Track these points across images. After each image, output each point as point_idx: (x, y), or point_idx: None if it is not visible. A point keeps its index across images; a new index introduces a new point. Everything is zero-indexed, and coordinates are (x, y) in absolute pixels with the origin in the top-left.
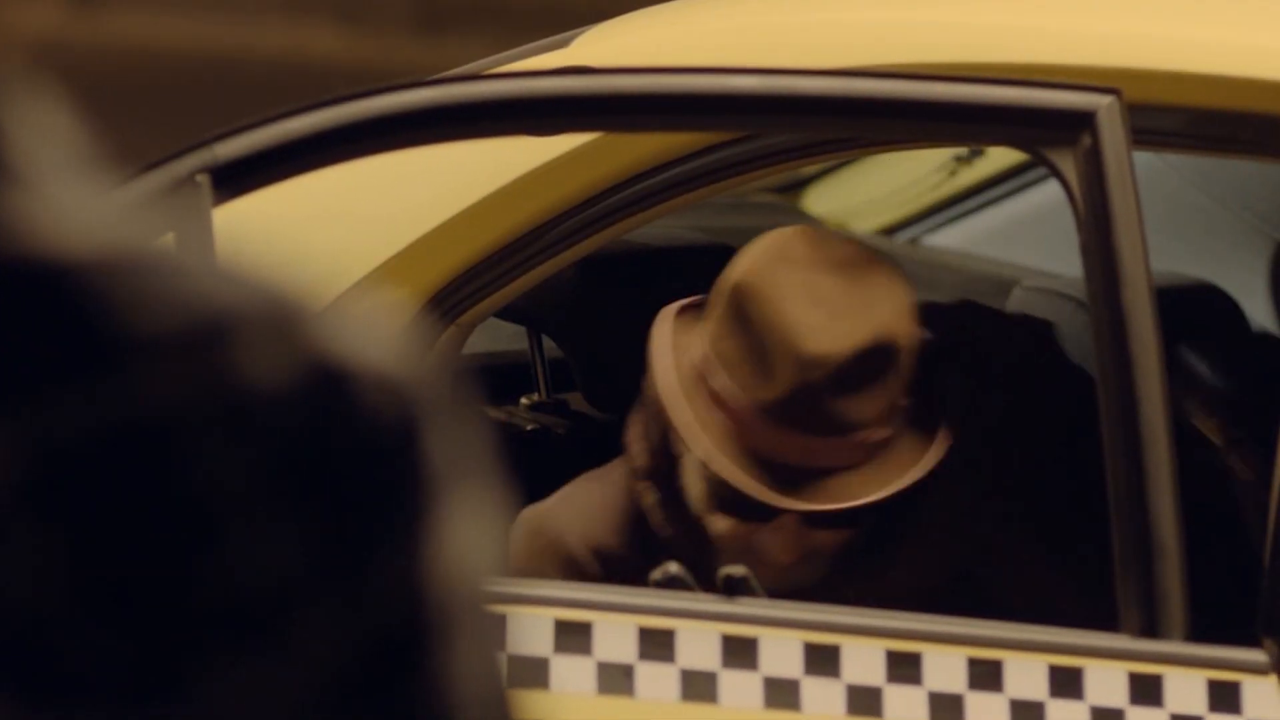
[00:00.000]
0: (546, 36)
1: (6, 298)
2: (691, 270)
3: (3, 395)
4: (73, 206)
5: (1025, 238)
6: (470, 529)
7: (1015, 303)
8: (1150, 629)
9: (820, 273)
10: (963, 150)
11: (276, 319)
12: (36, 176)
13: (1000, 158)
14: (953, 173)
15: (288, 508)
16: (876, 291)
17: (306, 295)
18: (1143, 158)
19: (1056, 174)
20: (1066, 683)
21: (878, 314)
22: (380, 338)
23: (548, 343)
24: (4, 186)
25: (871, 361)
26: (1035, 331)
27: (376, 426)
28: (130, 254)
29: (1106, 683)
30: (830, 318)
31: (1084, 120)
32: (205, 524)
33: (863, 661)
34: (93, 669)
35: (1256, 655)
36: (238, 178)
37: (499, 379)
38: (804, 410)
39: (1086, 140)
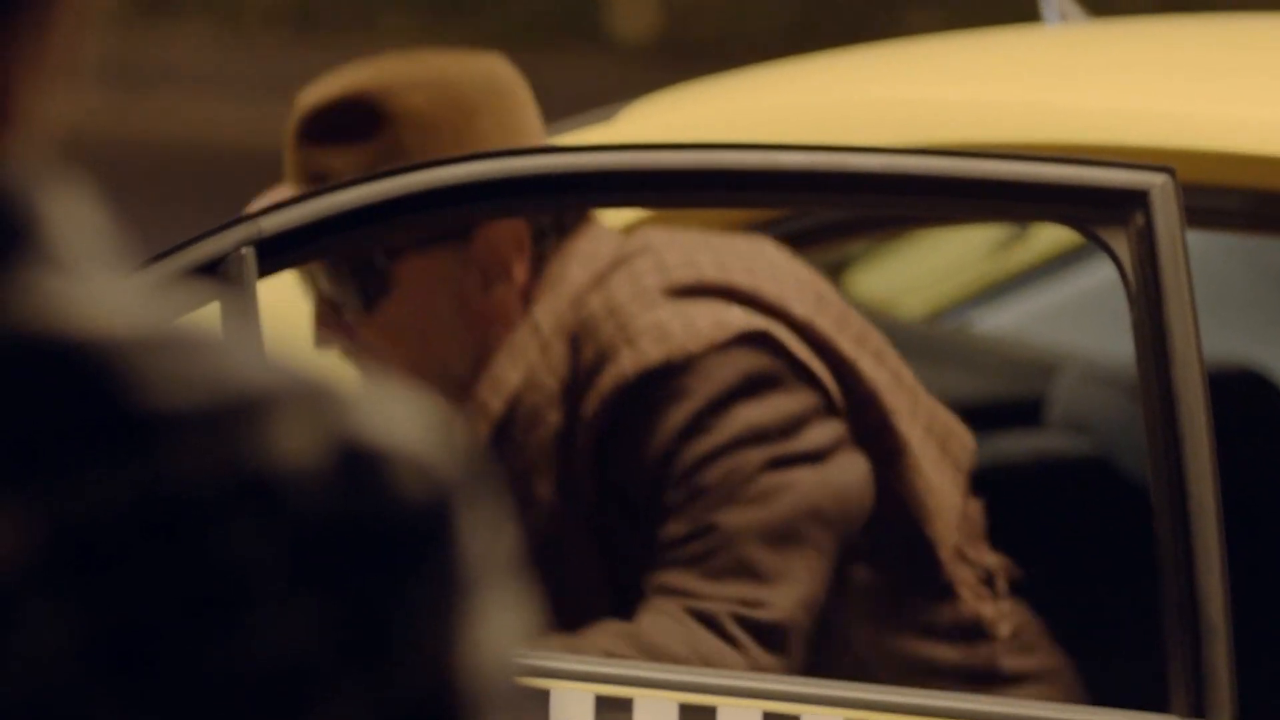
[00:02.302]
0: (586, 115)
1: (36, 375)
2: None
3: (29, 471)
4: (104, 288)
5: (1072, 321)
6: (501, 615)
7: (1062, 389)
8: (1199, 710)
9: None
10: (1010, 231)
11: (308, 399)
12: (70, 259)
13: (1047, 240)
14: (1000, 254)
15: (313, 587)
16: (386, 68)
17: (341, 377)
18: (1189, 237)
19: (1109, 253)
20: None
21: (365, 81)
22: (415, 422)
23: None
24: (38, 269)
25: (341, 114)
26: None
27: (407, 509)
28: (160, 333)
29: None
30: (324, 81)
31: (1137, 199)
32: (229, 601)
33: None
34: None
35: None
36: (283, 251)
37: None
38: (290, 160)
39: (1139, 219)
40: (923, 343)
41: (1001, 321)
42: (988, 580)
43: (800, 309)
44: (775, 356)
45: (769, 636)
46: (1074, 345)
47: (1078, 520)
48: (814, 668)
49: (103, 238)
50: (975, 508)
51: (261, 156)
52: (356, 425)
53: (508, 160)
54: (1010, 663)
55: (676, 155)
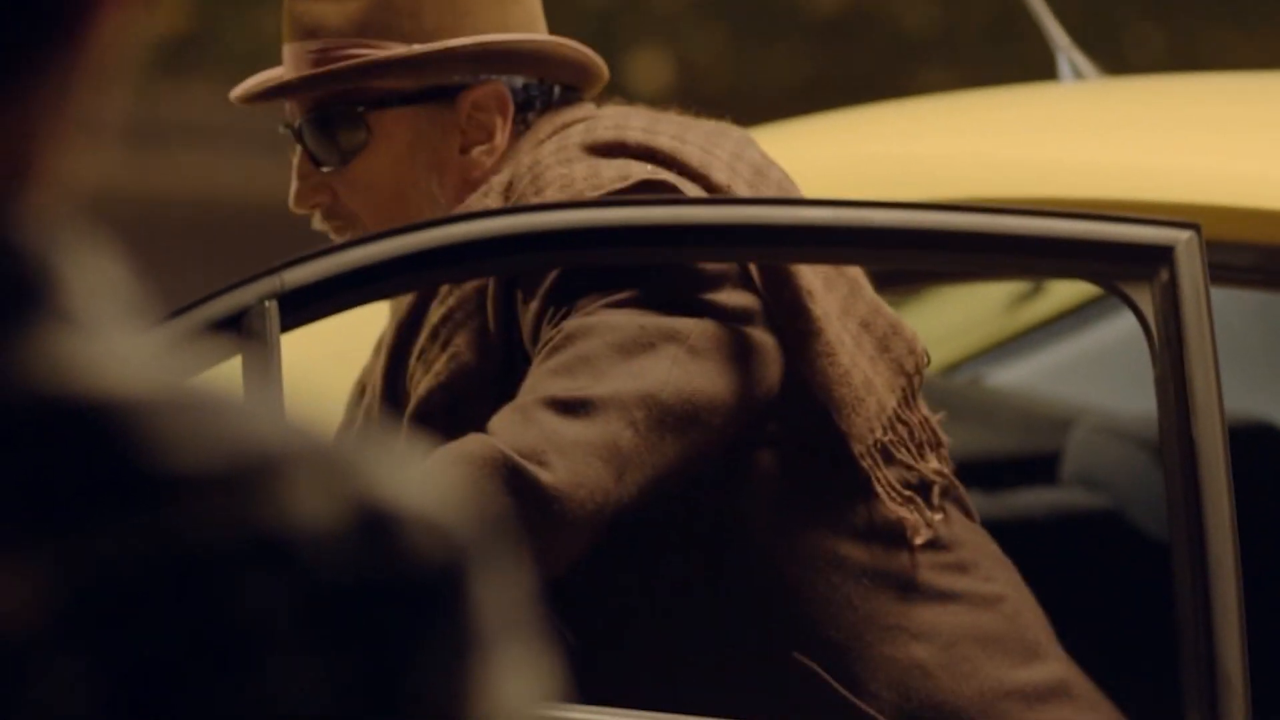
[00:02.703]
0: None
1: (54, 433)
2: None
3: (47, 528)
4: (121, 347)
5: (1086, 375)
6: (516, 673)
7: (1076, 444)
8: None
9: None
10: (1025, 286)
11: (323, 460)
12: (87, 318)
13: (1063, 295)
14: (1017, 308)
15: (327, 647)
16: None
17: (352, 435)
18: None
19: (1133, 308)
20: None
21: None
22: (429, 483)
23: None
24: (56, 327)
25: None
26: None
27: (421, 570)
28: (177, 393)
29: None
30: None
31: (1162, 255)
32: (244, 659)
33: None
34: None
35: None
36: (306, 304)
37: None
38: (286, 15)
39: (1164, 275)
40: (940, 396)
41: (1016, 376)
42: (920, 488)
43: (722, 177)
44: None
45: (589, 420)
46: (1089, 400)
47: (1093, 575)
48: (712, 553)
49: (121, 295)
50: (925, 417)
51: (279, 212)
52: (371, 486)
53: (533, 215)
54: (933, 578)
55: (698, 210)
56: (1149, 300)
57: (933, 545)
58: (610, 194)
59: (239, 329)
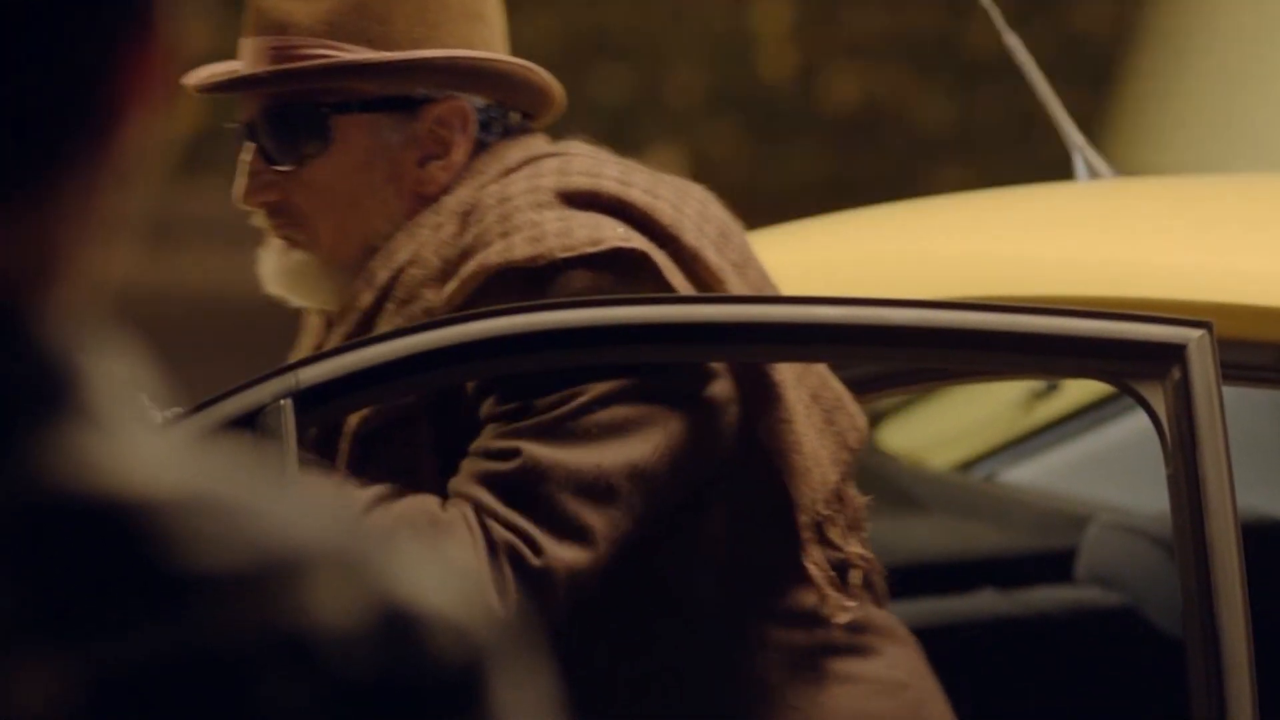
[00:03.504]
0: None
1: (77, 533)
2: None
3: (71, 625)
4: (144, 446)
5: (1100, 473)
6: None
7: (1090, 541)
8: None
9: None
10: (1040, 385)
11: (344, 560)
12: (110, 417)
13: (1077, 393)
14: (1032, 406)
15: None
16: None
17: (376, 533)
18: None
19: (1145, 407)
20: None
21: None
22: (449, 583)
23: None
24: (79, 426)
25: None
26: None
27: (441, 669)
28: (199, 493)
29: None
30: None
31: (1174, 353)
32: None
33: None
34: None
35: None
36: (321, 402)
37: None
38: (252, 8)
39: (1176, 373)
40: (955, 494)
41: (1031, 474)
42: (841, 569)
43: (691, 238)
44: (646, 280)
45: (531, 581)
46: (1103, 497)
47: (1108, 673)
48: (647, 609)
49: (143, 394)
50: (857, 499)
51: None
52: (393, 586)
53: (546, 314)
54: (839, 660)
55: (710, 308)
56: (1161, 399)
57: (845, 627)
58: (581, 257)
59: (254, 427)
